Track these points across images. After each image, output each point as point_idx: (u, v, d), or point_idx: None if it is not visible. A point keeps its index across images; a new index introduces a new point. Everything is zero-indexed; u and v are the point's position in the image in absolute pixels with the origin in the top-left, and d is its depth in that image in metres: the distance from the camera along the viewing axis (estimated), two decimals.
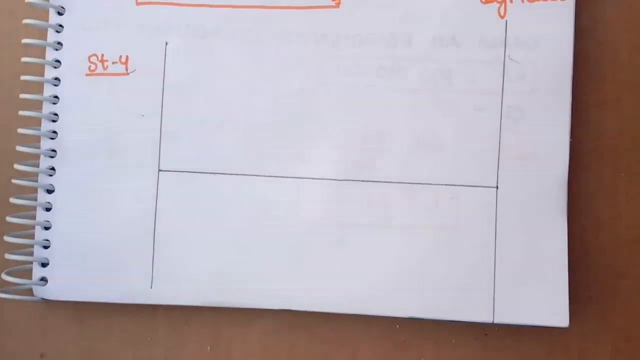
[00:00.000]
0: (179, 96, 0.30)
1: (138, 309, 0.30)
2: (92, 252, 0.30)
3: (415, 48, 0.29)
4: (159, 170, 0.30)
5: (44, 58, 0.30)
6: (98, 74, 0.30)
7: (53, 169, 0.30)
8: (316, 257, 0.29)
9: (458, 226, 0.29)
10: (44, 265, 0.30)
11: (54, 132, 0.30)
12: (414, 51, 0.29)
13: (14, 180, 0.30)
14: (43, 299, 0.30)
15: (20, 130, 0.30)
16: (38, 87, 0.30)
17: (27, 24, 0.30)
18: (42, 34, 0.31)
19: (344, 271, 0.29)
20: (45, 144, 0.30)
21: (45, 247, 0.30)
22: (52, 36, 0.30)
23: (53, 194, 0.30)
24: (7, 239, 0.29)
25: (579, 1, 0.29)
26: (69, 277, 0.30)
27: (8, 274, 0.29)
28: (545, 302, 0.28)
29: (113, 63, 0.30)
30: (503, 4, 0.29)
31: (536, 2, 0.29)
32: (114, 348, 0.31)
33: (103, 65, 0.30)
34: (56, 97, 0.30)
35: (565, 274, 0.29)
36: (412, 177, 0.29)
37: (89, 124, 0.30)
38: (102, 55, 0.30)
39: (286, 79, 0.30)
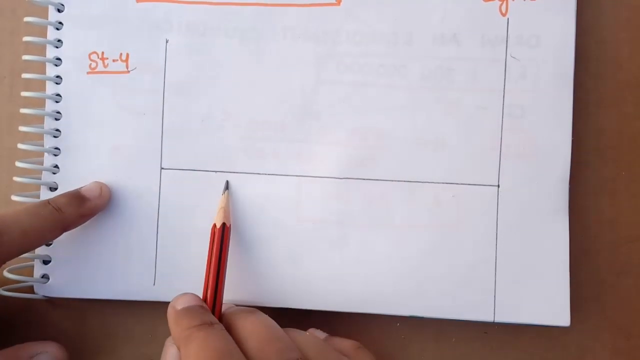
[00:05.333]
0: (179, 94, 0.30)
1: (140, 306, 0.31)
2: (93, 249, 0.30)
3: (416, 46, 0.29)
4: (161, 168, 0.30)
5: (45, 56, 0.30)
6: (99, 72, 0.30)
7: (56, 166, 0.30)
8: (316, 255, 0.29)
9: (459, 225, 0.29)
10: (45, 262, 0.30)
11: (57, 130, 0.30)
12: (414, 49, 0.29)
13: (16, 178, 0.30)
14: (45, 296, 0.30)
15: (22, 128, 0.30)
16: (40, 85, 0.30)
17: (27, 22, 0.30)
18: (43, 31, 0.30)
19: (345, 270, 0.29)
20: (49, 142, 0.30)
21: (47, 245, 0.30)
22: (52, 34, 0.30)
23: (56, 191, 0.30)
24: None
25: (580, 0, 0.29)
26: (70, 275, 0.30)
27: (10, 271, 0.29)
28: (547, 301, 0.29)
29: (114, 61, 0.30)
30: (505, 2, 0.29)
31: (538, 0, 0.29)
32: (116, 346, 0.31)
33: (104, 63, 0.30)
34: (59, 95, 0.30)
35: (567, 273, 0.29)
36: (413, 176, 0.29)
37: (91, 122, 0.30)
38: (103, 52, 0.30)
39: (287, 77, 0.30)
